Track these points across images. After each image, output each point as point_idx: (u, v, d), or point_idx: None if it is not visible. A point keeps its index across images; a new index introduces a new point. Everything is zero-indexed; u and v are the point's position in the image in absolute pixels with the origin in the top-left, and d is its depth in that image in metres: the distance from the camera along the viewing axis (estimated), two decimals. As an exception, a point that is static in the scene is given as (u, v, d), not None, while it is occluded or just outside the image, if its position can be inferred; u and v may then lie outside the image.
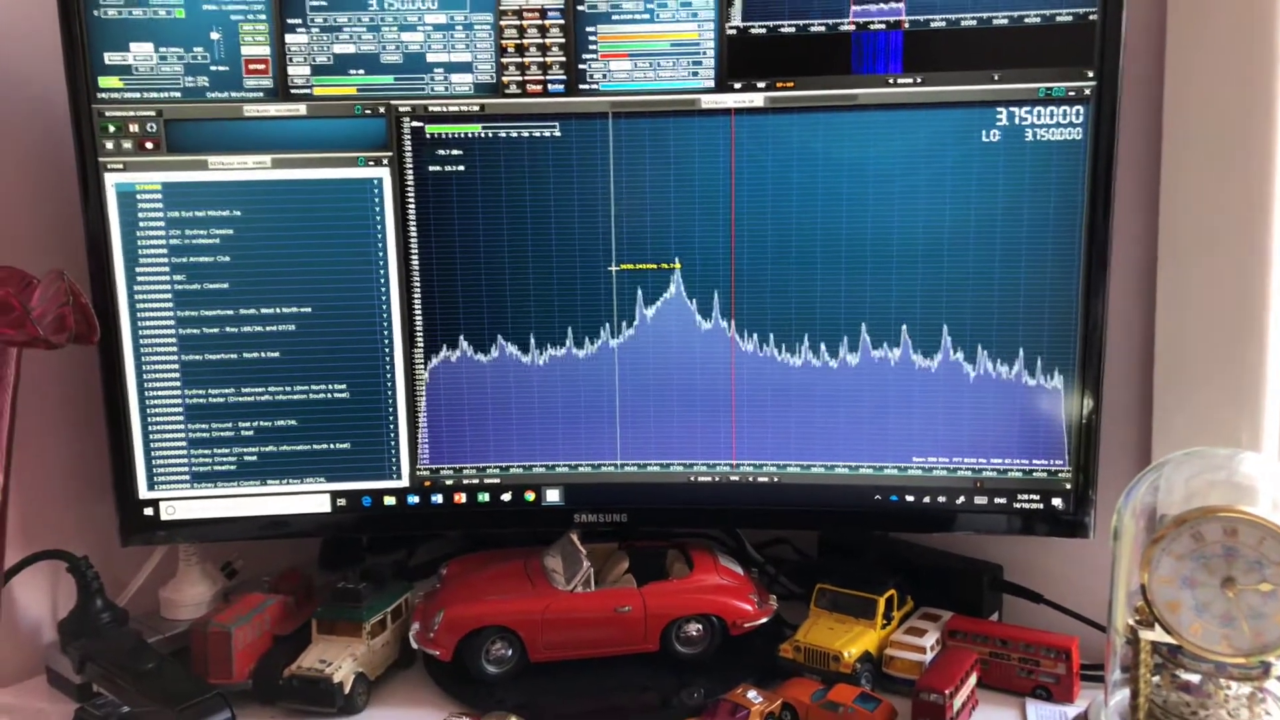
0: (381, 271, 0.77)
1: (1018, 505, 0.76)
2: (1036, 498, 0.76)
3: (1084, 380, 0.74)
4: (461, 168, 0.77)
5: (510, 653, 0.74)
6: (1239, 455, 0.63)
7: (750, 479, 0.79)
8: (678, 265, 0.77)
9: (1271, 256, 0.70)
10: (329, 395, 0.79)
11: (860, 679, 0.71)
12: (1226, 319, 0.72)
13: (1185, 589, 0.59)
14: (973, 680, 0.71)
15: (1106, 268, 0.73)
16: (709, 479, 0.79)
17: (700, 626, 0.75)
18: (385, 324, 0.78)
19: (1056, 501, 0.76)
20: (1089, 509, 0.75)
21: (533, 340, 0.79)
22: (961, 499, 0.77)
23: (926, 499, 0.78)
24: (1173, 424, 0.74)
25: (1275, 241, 0.70)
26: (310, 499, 0.80)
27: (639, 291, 0.78)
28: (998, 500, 0.77)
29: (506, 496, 0.80)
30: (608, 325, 0.78)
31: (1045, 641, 0.72)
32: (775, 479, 0.79)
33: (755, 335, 0.77)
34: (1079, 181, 0.73)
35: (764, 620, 0.76)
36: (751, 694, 0.69)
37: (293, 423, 0.79)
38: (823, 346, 0.77)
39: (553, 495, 0.81)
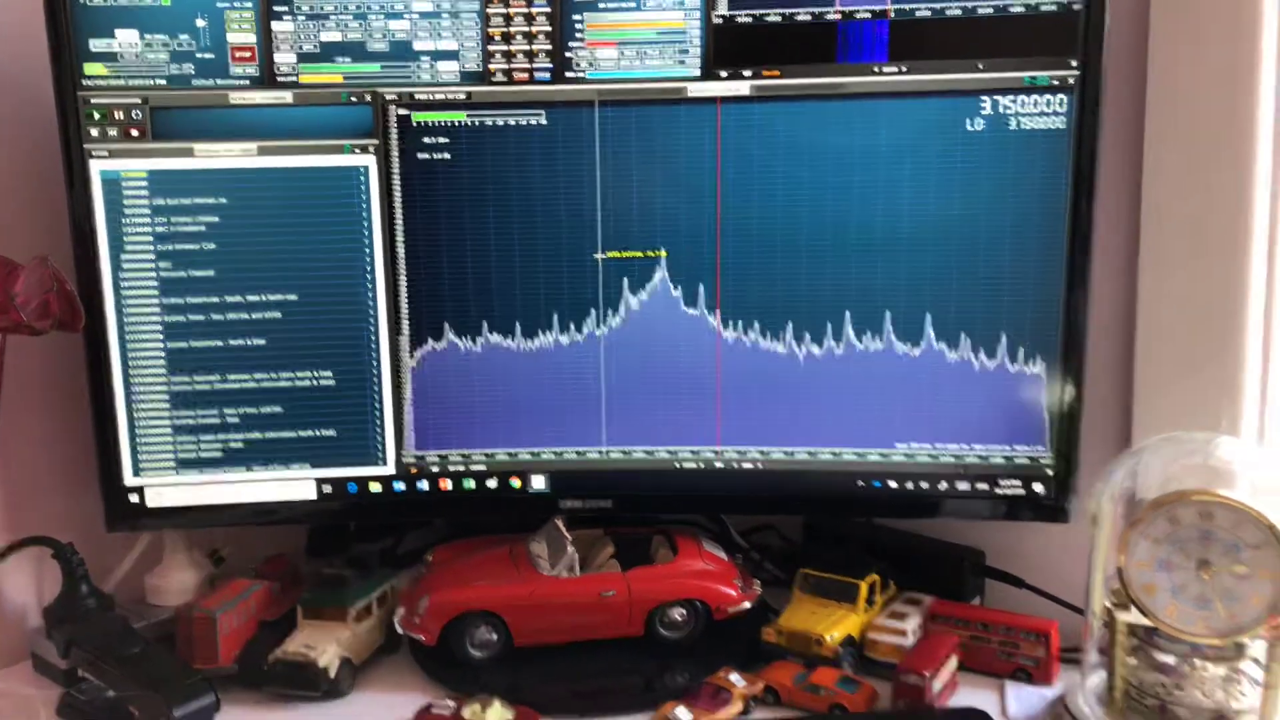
0: (368, 259, 0.77)
1: (1000, 491, 0.77)
2: (1019, 483, 0.77)
3: (1066, 367, 0.75)
4: (448, 155, 0.77)
5: (495, 637, 0.74)
6: (1216, 440, 0.64)
7: (735, 465, 0.79)
8: (664, 254, 0.77)
9: (1251, 244, 0.71)
10: (315, 382, 0.79)
11: (842, 662, 0.71)
12: (1207, 306, 0.73)
13: (1161, 571, 0.60)
14: (953, 663, 0.71)
15: (1089, 256, 0.74)
16: (694, 465, 0.80)
17: (684, 611, 0.75)
18: (371, 311, 0.78)
19: (1038, 487, 0.77)
20: (1070, 494, 0.76)
21: (519, 327, 0.79)
22: (944, 485, 0.78)
23: (910, 485, 0.78)
24: (1153, 410, 0.75)
25: (1254, 229, 0.71)
26: (297, 486, 0.80)
27: (625, 280, 0.78)
28: (980, 486, 0.77)
29: (492, 483, 0.81)
30: (593, 313, 0.78)
31: (1025, 625, 0.73)
32: (759, 465, 0.79)
33: (740, 323, 0.78)
34: (1062, 170, 0.73)
35: (747, 605, 0.76)
36: (734, 677, 0.69)
37: (279, 410, 0.79)
38: (807, 334, 0.77)
39: (538, 482, 0.81)
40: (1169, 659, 0.61)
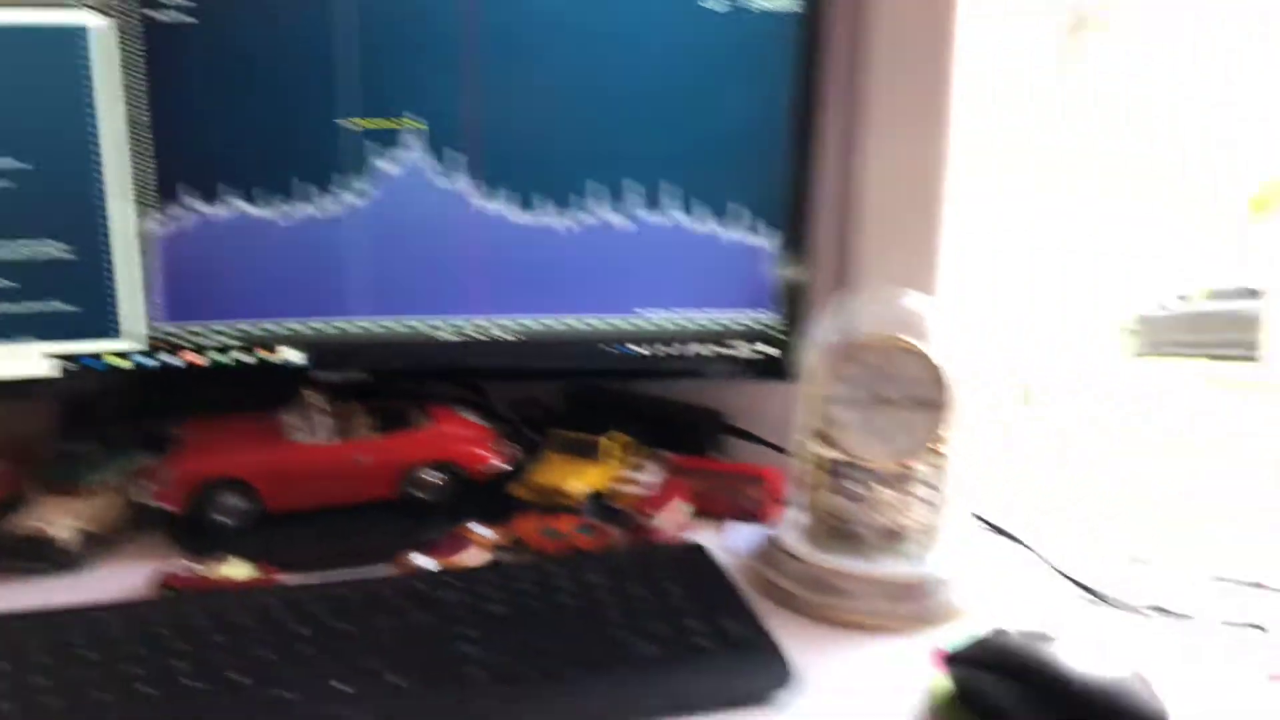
0: (102, 124, 0.73)
1: (737, 353, 0.83)
2: (753, 346, 0.83)
3: (794, 236, 0.81)
4: (188, 17, 0.73)
5: (245, 504, 0.74)
6: (907, 295, 0.71)
7: (492, 335, 0.82)
8: (418, 123, 0.77)
9: (947, 122, 0.79)
10: (50, 254, 0.75)
11: (584, 512, 0.76)
12: (913, 180, 0.81)
13: (852, 410, 0.68)
14: (683, 506, 0.78)
15: (815, 132, 0.79)
16: (451, 336, 0.82)
17: (438, 473, 0.78)
18: (107, 179, 0.74)
19: (769, 349, 0.83)
20: (797, 354, 0.83)
21: (269, 197, 0.77)
22: (687, 348, 0.83)
23: (655, 349, 0.82)
24: (868, 273, 0.83)
25: (949, 110, 0.79)
26: (35, 363, 0.76)
27: (378, 148, 0.77)
28: (719, 349, 0.83)
29: (245, 357, 0.80)
30: (346, 182, 0.77)
31: (748, 472, 0.81)
32: (516, 335, 0.82)
33: (496, 194, 0.79)
34: (793, 50, 0.78)
35: (502, 467, 0.80)
36: (479, 528, 0.73)
37: (12, 284, 0.75)
38: (558, 205, 0.79)
39: (293, 355, 0.80)
40: (856, 487, 0.69)
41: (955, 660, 0.57)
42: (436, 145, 0.78)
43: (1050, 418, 1.00)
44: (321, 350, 0.80)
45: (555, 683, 0.55)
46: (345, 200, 0.78)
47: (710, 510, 0.80)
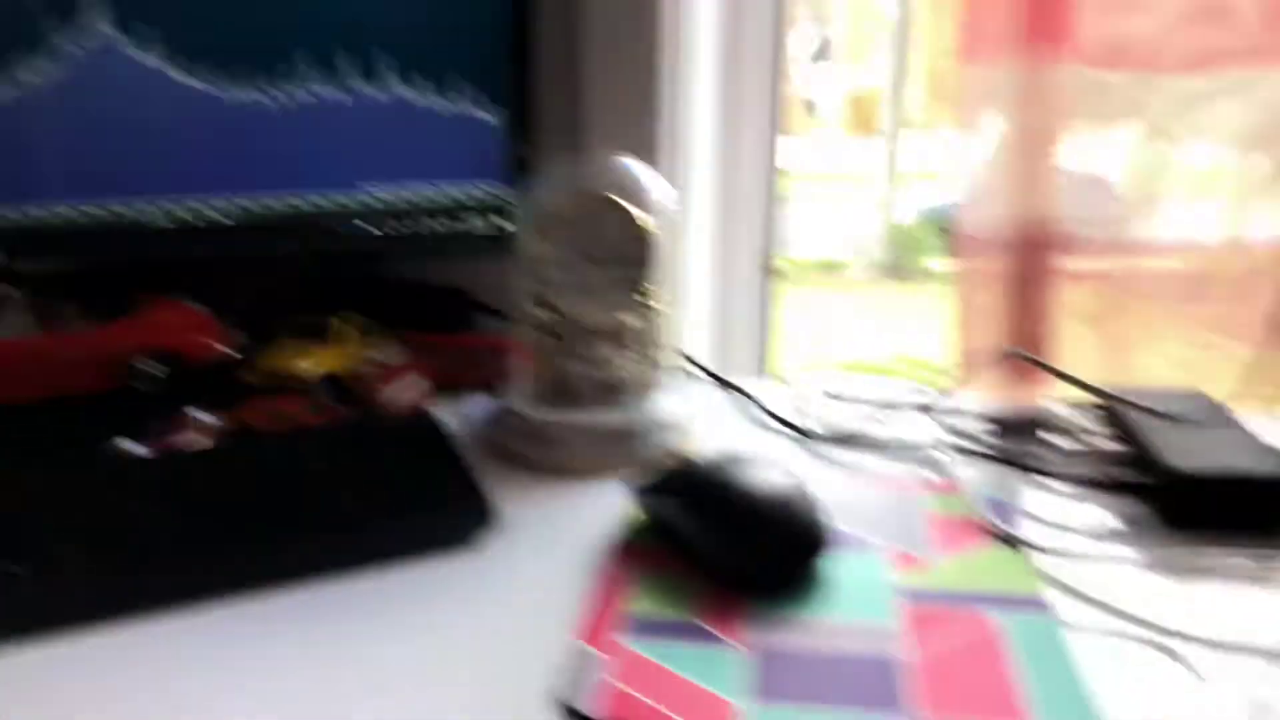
0: None
1: (471, 228, 0.82)
2: (486, 220, 0.83)
3: (519, 107, 0.80)
4: None
5: (-68, 406, 0.70)
6: (616, 158, 0.72)
7: (208, 219, 0.78)
8: (100, -8, 0.72)
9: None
10: None
11: (316, 393, 0.75)
12: (632, 51, 0.81)
13: (562, 270, 0.69)
14: (417, 381, 0.78)
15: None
16: (164, 222, 0.77)
17: (156, 363, 0.75)
18: None
19: (503, 222, 0.83)
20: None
21: (-67, 77, 0.71)
22: (419, 225, 0.82)
23: (387, 227, 0.81)
24: (594, 143, 0.84)
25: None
26: None
27: (56, 22, 0.71)
28: (453, 225, 0.82)
29: (-72, 253, 0.74)
30: (22, 59, 0.71)
31: (488, 344, 0.81)
32: (234, 218, 0.79)
33: (196, 68, 0.75)
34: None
35: (227, 353, 0.77)
36: (200, 414, 0.71)
37: None
38: (267, 77, 0.76)
39: (-15, 248, 0.75)
40: (574, 345, 0.71)
41: (644, 490, 0.61)
42: (123, 16, 0.73)
43: (794, 290, 1.06)
44: (16, 240, 0.75)
45: (242, 544, 0.55)
46: (24, 80, 0.72)
47: (452, 384, 0.81)
